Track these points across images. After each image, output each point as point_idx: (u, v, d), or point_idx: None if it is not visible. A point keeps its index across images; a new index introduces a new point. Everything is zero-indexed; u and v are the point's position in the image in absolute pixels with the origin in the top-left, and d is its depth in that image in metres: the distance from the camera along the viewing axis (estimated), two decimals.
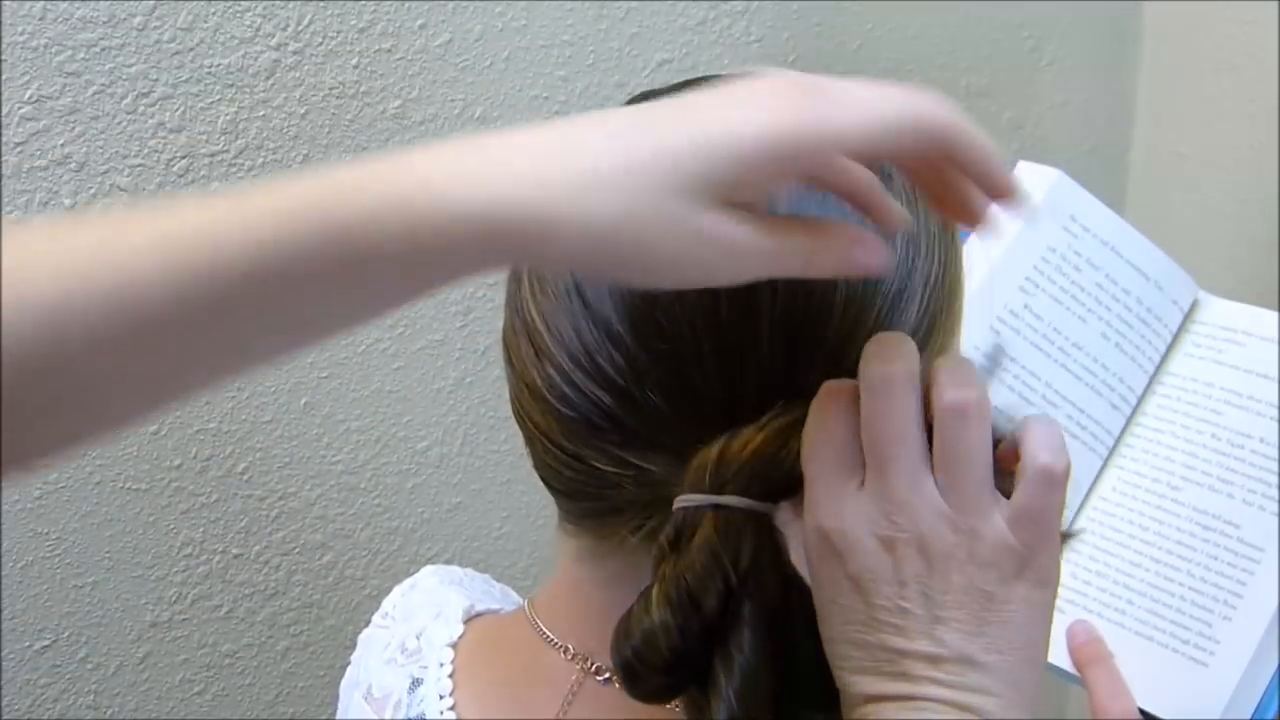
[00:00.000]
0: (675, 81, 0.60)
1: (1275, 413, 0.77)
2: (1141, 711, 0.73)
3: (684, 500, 0.50)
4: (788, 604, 0.49)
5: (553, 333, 0.54)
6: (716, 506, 0.49)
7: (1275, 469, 0.75)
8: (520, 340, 0.56)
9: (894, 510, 0.46)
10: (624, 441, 0.53)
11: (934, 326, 0.54)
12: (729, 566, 0.48)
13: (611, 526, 0.55)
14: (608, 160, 0.40)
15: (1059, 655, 0.77)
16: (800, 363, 0.51)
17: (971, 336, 0.60)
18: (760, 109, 0.40)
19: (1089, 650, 0.75)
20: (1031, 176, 0.84)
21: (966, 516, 0.46)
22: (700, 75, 0.60)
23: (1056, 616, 0.79)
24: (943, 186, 0.47)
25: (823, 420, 0.47)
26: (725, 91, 0.41)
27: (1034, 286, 0.80)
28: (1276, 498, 0.75)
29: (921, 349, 0.50)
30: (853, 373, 0.48)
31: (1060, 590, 0.79)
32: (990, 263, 0.78)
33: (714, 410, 0.51)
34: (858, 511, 0.46)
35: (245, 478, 1.11)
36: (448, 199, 0.39)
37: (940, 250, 0.54)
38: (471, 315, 1.15)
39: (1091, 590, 0.78)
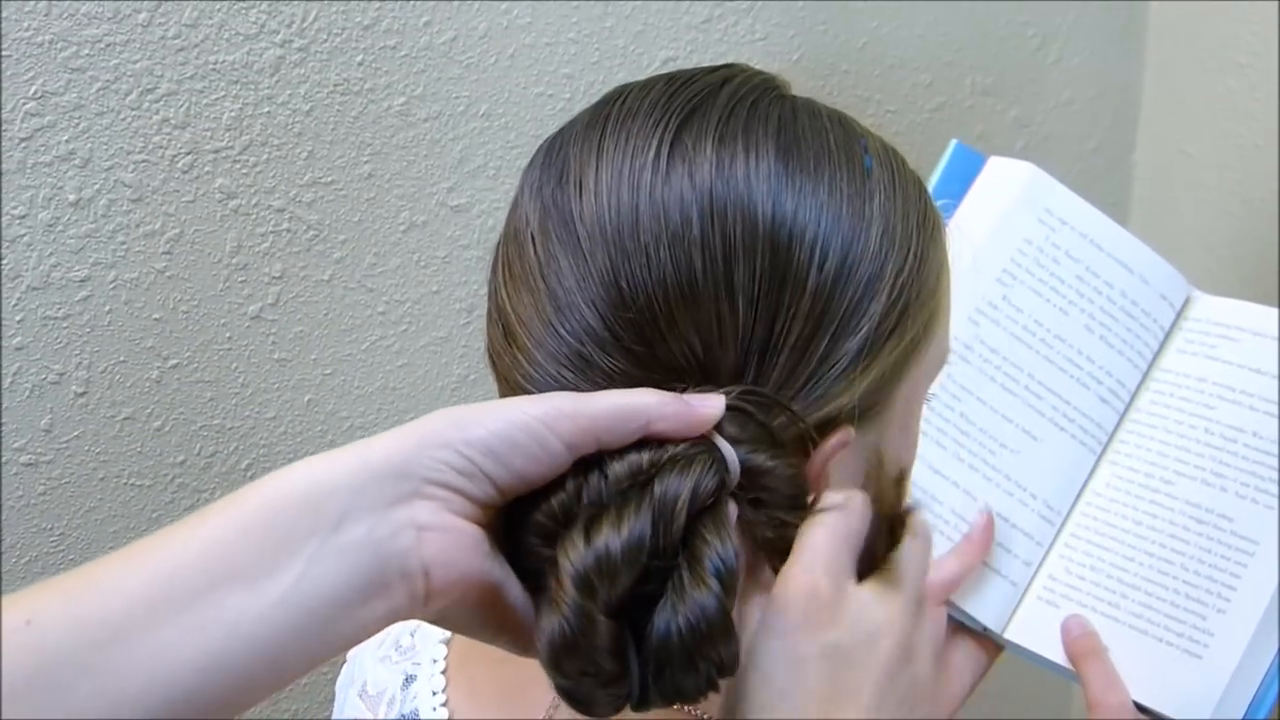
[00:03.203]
0: (667, 72, 0.60)
1: (1272, 408, 0.76)
2: (1136, 704, 0.73)
3: None
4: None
5: (518, 315, 0.55)
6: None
7: (1270, 463, 0.75)
8: (494, 328, 0.57)
9: None
10: None
11: (904, 315, 0.55)
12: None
13: None
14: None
15: (1054, 650, 0.77)
16: (774, 333, 0.52)
17: (950, 328, 0.61)
18: None
19: (1083, 644, 0.75)
20: (1004, 171, 0.83)
21: None
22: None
23: (1052, 610, 0.79)
24: None
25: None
26: None
27: (1011, 278, 0.80)
28: (1271, 491, 0.74)
29: (890, 335, 0.53)
30: (822, 351, 0.52)
31: (1054, 584, 0.79)
32: (971, 254, 0.77)
33: (691, 374, 0.53)
34: None
35: (249, 474, 1.11)
36: None
37: (917, 243, 0.55)
38: (475, 313, 1.16)
39: (1085, 584, 0.78)
